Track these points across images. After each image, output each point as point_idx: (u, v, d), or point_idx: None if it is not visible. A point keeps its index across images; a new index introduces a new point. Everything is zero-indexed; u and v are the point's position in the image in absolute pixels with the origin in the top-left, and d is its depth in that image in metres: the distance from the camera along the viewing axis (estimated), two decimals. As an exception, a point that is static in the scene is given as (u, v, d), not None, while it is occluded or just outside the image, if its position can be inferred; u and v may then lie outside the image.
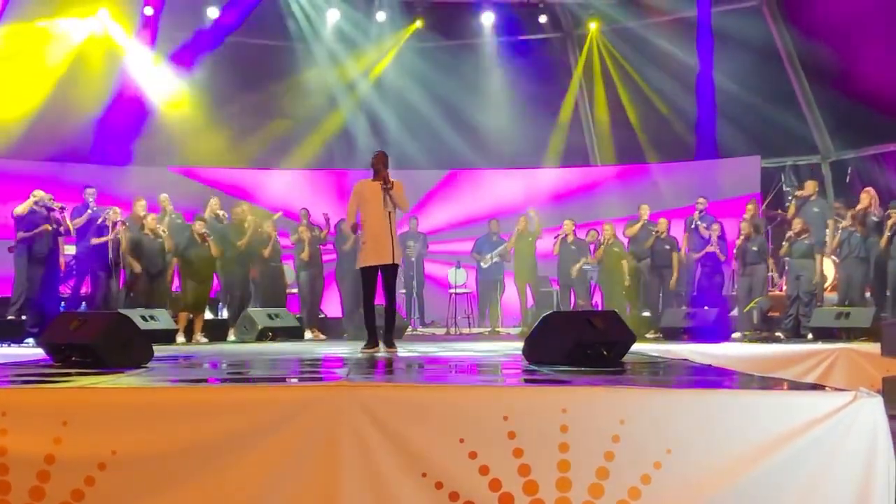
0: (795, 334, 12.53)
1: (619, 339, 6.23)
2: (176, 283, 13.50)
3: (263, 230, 14.05)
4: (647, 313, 14.26)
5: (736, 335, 12.85)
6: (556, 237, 15.06)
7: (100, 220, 12.51)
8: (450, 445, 3.86)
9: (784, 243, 13.16)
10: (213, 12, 17.69)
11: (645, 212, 14.62)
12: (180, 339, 12.18)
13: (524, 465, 3.84)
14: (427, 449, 3.87)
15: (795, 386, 4.66)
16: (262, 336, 12.43)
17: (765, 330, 12.87)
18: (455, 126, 18.28)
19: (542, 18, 18.58)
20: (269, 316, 12.91)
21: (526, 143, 18.67)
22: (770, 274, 13.99)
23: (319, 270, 14.57)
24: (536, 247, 15.47)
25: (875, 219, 12.68)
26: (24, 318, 12.00)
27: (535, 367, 6.02)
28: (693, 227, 14.06)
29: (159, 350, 7.06)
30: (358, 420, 3.89)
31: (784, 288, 13.79)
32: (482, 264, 15.93)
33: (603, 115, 18.71)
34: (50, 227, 12.18)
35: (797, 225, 13.01)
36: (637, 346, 6.72)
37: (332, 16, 18.48)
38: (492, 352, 8.84)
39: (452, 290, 16.29)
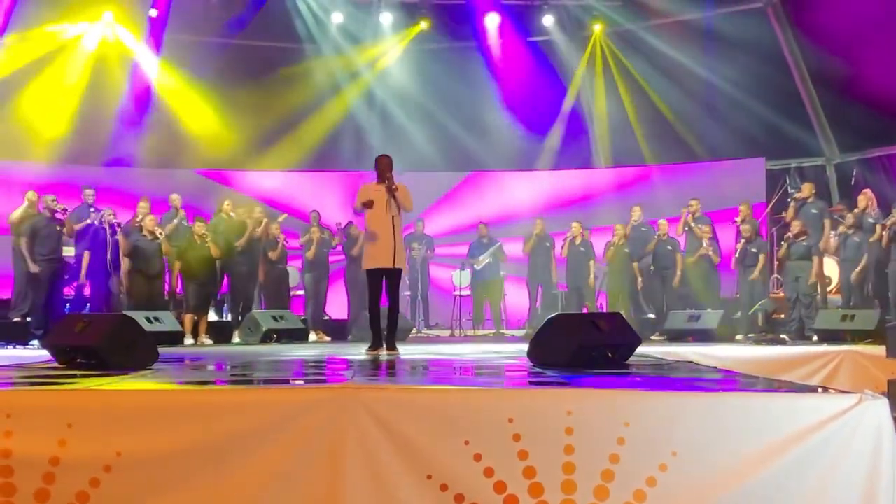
0: (800, 336, 12.53)
1: (623, 341, 6.23)
2: (179, 285, 13.52)
3: (271, 232, 14.06)
4: (651, 315, 14.26)
5: (739, 337, 12.85)
6: (563, 239, 15.05)
7: (97, 222, 12.53)
8: (455, 447, 3.85)
9: (782, 243, 13.16)
10: (219, 14, 17.73)
11: (636, 213, 14.66)
12: (188, 340, 12.19)
13: (529, 467, 3.83)
14: (432, 451, 3.87)
15: (801, 388, 4.65)
16: (267, 338, 12.42)
17: (770, 332, 12.86)
18: (459, 128, 18.27)
19: (548, 20, 18.55)
20: (274, 318, 12.91)
21: (529, 146, 18.68)
22: (775, 276, 13.99)
23: (324, 272, 14.60)
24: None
25: (872, 220, 12.72)
26: (28, 319, 12.03)
27: (540, 369, 6.01)
28: (686, 229, 14.11)
29: (164, 352, 7.06)
30: (362, 422, 3.90)
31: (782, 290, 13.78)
32: (476, 266, 15.93)
33: (606, 117, 18.66)
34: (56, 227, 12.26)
35: (795, 227, 13.03)
36: (642, 349, 6.71)
37: (337, 17, 18.48)
38: (496, 353, 8.83)
39: (457, 293, 16.28)
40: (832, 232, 13.25)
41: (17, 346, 11.09)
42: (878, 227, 12.42)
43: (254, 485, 3.84)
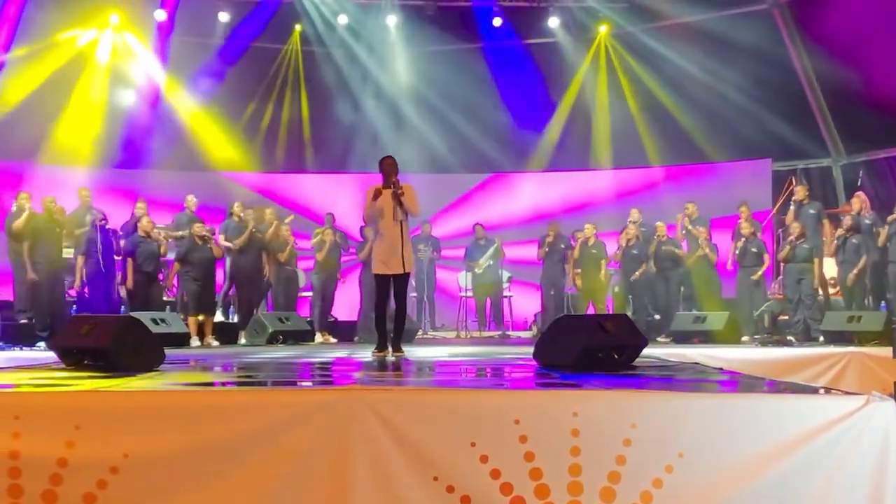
0: (807, 338, 12.52)
1: (630, 342, 6.22)
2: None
3: (280, 234, 14.09)
4: (656, 316, 14.25)
5: (745, 339, 12.83)
6: (575, 241, 15.05)
7: (97, 222, 12.57)
8: (461, 449, 3.86)
9: (787, 246, 13.14)
10: (224, 17, 17.80)
11: (635, 214, 14.67)
12: (195, 342, 12.19)
13: (535, 468, 3.84)
14: (438, 452, 3.87)
15: (807, 390, 4.65)
16: (273, 340, 12.42)
17: (776, 333, 12.85)
18: (467, 129, 18.28)
19: (553, 22, 18.55)
20: (280, 319, 12.92)
21: (533, 147, 18.70)
22: (780, 278, 13.98)
23: (333, 274, 14.59)
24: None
25: (869, 222, 12.73)
26: (32, 321, 12.06)
27: (546, 370, 6.01)
28: (684, 232, 14.13)
29: (171, 353, 7.07)
30: (369, 423, 3.90)
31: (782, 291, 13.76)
32: (476, 270, 15.91)
33: (610, 118, 18.64)
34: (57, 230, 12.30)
35: (795, 229, 13.03)
36: (648, 350, 6.70)
37: (343, 19, 18.52)
38: (502, 355, 8.83)
39: (463, 294, 16.28)
40: (834, 234, 13.22)
41: (24, 348, 11.09)
42: (884, 229, 12.43)
43: (261, 486, 3.84)
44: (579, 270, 14.88)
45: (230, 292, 14.01)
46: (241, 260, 13.50)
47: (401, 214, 8.80)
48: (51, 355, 7.41)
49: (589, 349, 5.89)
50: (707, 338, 12.33)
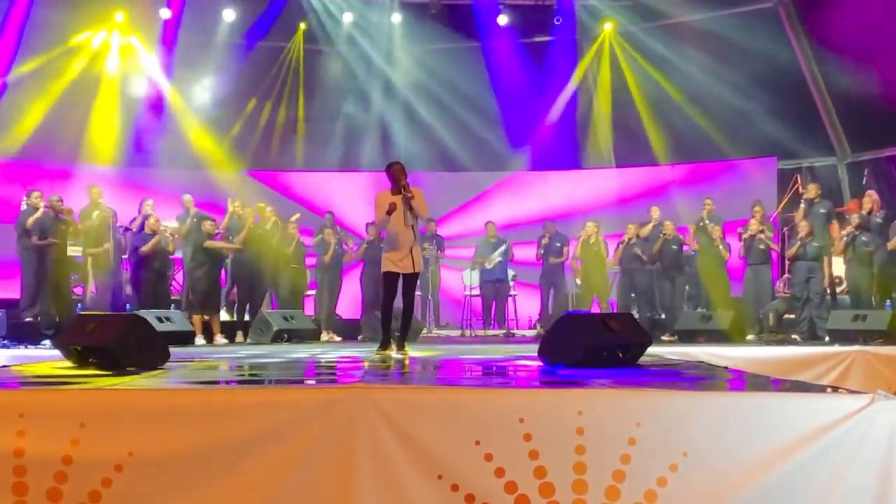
0: (812, 336, 12.50)
1: (634, 341, 6.22)
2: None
3: (288, 233, 14.12)
4: (661, 315, 14.23)
5: (751, 337, 12.80)
6: (577, 239, 15.04)
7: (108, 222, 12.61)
8: (465, 447, 3.86)
9: (796, 244, 13.11)
10: (228, 14, 17.83)
11: (656, 213, 14.60)
12: (200, 340, 12.19)
13: (540, 467, 3.84)
14: (443, 451, 3.88)
15: (812, 389, 4.64)
16: (277, 338, 12.42)
17: (781, 332, 12.82)
18: (471, 128, 18.28)
19: (558, 20, 18.55)
20: (285, 318, 12.92)
21: (536, 147, 18.71)
22: (786, 276, 13.95)
23: (338, 273, 14.60)
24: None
25: (879, 221, 12.70)
26: (38, 319, 12.08)
27: (551, 369, 6.01)
28: (701, 225, 14.08)
29: (176, 352, 7.07)
30: (374, 422, 3.90)
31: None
32: (487, 265, 15.89)
33: (613, 117, 18.62)
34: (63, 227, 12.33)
35: (804, 228, 12.99)
36: (652, 349, 6.70)
37: (348, 17, 18.54)
38: (506, 353, 8.83)
39: (468, 293, 16.28)
40: (842, 233, 13.17)
41: (29, 346, 11.10)
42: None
43: (266, 484, 3.85)
44: (579, 265, 14.90)
45: (232, 290, 14.02)
46: (242, 257, 13.48)
47: (411, 219, 8.80)
48: (56, 353, 7.42)
49: (593, 348, 5.89)
50: (712, 336, 12.31)
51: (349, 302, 15.17)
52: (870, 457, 3.80)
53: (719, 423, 3.86)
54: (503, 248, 15.89)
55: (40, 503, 3.81)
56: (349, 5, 18.44)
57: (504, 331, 15.71)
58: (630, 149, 18.29)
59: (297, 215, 14.94)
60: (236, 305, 13.98)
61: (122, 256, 12.93)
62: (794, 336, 12.52)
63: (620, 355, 6.07)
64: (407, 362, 7.47)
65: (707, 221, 14.01)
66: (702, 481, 3.81)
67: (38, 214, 12.18)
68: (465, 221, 18.03)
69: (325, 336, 13.93)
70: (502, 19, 18.55)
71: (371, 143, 18.38)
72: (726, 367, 6.97)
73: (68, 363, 6.33)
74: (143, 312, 10.31)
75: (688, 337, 12.59)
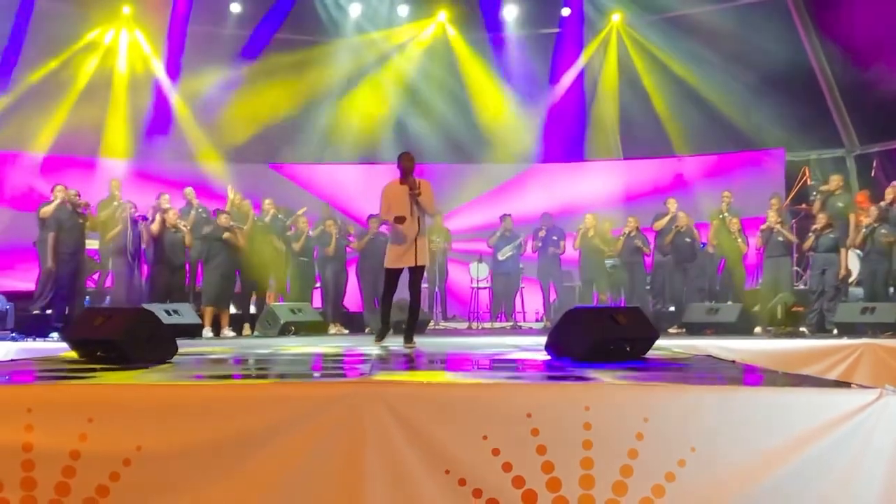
0: (820, 329, 12.47)
1: (642, 335, 6.21)
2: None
3: (298, 227, 14.16)
4: (672, 308, 14.23)
5: (758, 330, 12.79)
6: (577, 231, 15.06)
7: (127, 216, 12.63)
8: (473, 442, 3.86)
9: (810, 235, 13.07)
10: (236, 7, 17.86)
11: (673, 205, 14.57)
12: (208, 333, 12.20)
13: (547, 462, 3.83)
14: (450, 446, 3.87)
15: (820, 383, 4.63)
16: (284, 331, 12.43)
17: (789, 325, 12.80)
18: (474, 121, 18.29)
19: (566, 11, 18.53)
20: (292, 311, 12.93)
21: (542, 139, 18.71)
22: (795, 269, 13.92)
23: (342, 265, 14.62)
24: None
25: None
26: (48, 312, 12.11)
27: (559, 363, 6.00)
28: (721, 217, 14.05)
29: (184, 345, 7.07)
30: (381, 417, 3.90)
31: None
32: (499, 256, 15.90)
33: (622, 109, 18.57)
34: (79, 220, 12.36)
35: (821, 220, 12.95)
36: (660, 342, 6.69)
37: (355, 10, 18.55)
38: (514, 346, 8.82)
39: (475, 285, 16.28)
40: (862, 224, 13.10)
41: (38, 339, 11.12)
42: None
43: (273, 480, 3.85)
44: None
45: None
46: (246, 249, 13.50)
47: (417, 211, 8.81)
48: (64, 346, 7.43)
49: (601, 341, 5.88)
50: (719, 329, 12.30)
51: (357, 294, 15.16)
52: (879, 451, 3.79)
53: (727, 419, 3.84)
54: (517, 242, 15.91)
55: (49, 498, 3.81)
56: None
57: (511, 323, 15.73)
58: (638, 140, 18.24)
59: (305, 208, 14.96)
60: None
61: (142, 247, 12.93)
62: (801, 329, 12.49)
63: (627, 349, 6.06)
64: (414, 356, 7.47)
65: (726, 214, 14.00)
66: (710, 476, 3.80)
67: (52, 206, 12.22)
68: (477, 214, 18.01)
69: (332, 329, 13.94)
70: (510, 11, 18.54)
71: (386, 135, 18.33)
72: (734, 361, 6.96)
73: (76, 356, 6.33)
74: (150, 306, 10.32)
75: (695, 329, 12.58)
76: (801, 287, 13.70)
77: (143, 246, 12.80)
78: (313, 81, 18.25)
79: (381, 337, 9.19)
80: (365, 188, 16.85)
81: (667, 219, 14.41)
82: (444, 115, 18.28)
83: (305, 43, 18.63)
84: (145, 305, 11.33)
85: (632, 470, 3.82)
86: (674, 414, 3.86)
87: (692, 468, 3.80)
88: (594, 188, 18.01)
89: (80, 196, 12.54)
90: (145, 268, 12.94)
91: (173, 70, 17.56)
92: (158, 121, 17.40)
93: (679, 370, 5.64)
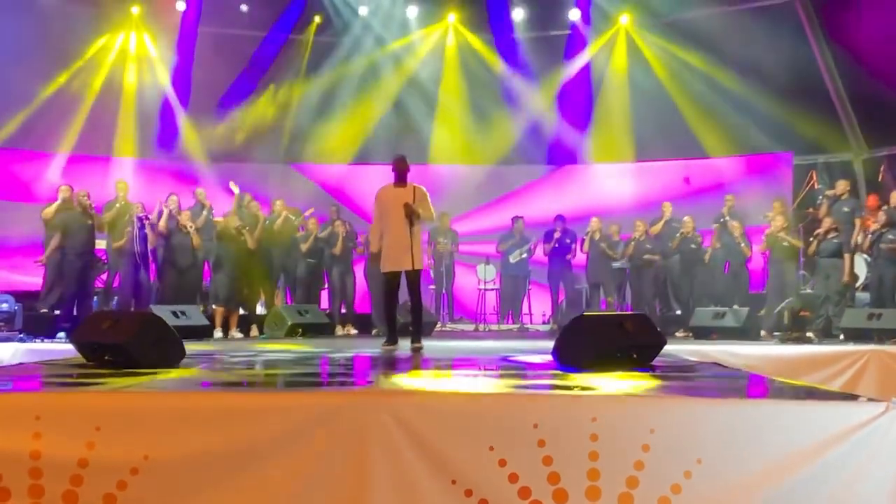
0: (827, 335, 12.44)
1: (649, 342, 6.21)
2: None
3: (308, 228, 14.21)
4: (678, 311, 14.22)
5: (764, 333, 12.75)
6: (585, 235, 15.07)
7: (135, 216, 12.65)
8: (479, 453, 3.86)
9: (811, 240, 13.05)
10: (244, 7, 17.93)
11: (668, 209, 14.58)
12: (218, 334, 12.19)
13: (554, 473, 3.84)
14: (456, 455, 3.88)
15: (827, 396, 4.62)
16: (292, 333, 12.42)
17: (796, 330, 12.76)
18: (482, 123, 18.30)
19: (574, 14, 18.52)
20: (299, 312, 12.92)
21: (551, 141, 18.73)
22: (802, 273, 13.89)
23: (349, 266, 14.63)
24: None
25: None
26: (56, 312, 12.13)
27: (565, 370, 6.00)
28: (721, 220, 14.03)
29: (192, 348, 7.08)
30: (388, 427, 3.91)
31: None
32: (510, 259, 15.91)
33: (632, 111, 18.55)
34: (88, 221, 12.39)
35: (826, 224, 12.93)
36: (667, 347, 6.67)
37: (363, 11, 18.59)
38: (521, 351, 8.80)
39: (482, 287, 16.29)
40: (869, 230, 13.07)
41: (45, 340, 11.14)
42: None
43: (280, 488, 3.86)
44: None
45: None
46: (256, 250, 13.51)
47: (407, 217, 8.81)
48: (71, 348, 7.44)
49: (607, 349, 5.88)
50: (725, 333, 12.28)
51: (365, 296, 15.16)
52: (885, 464, 3.79)
53: (734, 431, 3.85)
54: (526, 246, 15.93)
55: (56, 505, 3.83)
56: None
57: (518, 325, 15.74)
58: (646, 144, 18.21)
59: (312, 209, 14.97)
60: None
61: (150, 247, 12.94)
62: (808, 335, 12.47)
63: (634, 356, 6.06)
64: (420, 361, 7.46)
65: (728, 218, 13.97)
66: (716, 489, 3.80)
67: (53, 207, 12.25)
68: (486, 217, 18.01)
69: (339, 330, 13.94)
70: (519, 13, 18.54)
71: (388, 137, 18.34)
72: (741, 370, 6.95)
73: (84, 360, 6.35)
74: (158, 308, 10.34)
75: (702, 334, 12.57)
76: (809, 291, 13.64)
77: (151, 246, 12.82)
78: (324, 83, 18.29)
79: (391, 342, 9.16)
80: (375, 189, 16.96)
81: (661, 223, 14.44)
82: (456, 117, 18.28)
83: (316, 44, 18.67)
84: (153, 307, 11.40)
85: (638, 481, 3.82)
86: (680, 426, 3.87)
87: (698, 480, 3.81)
88: (603, 191, 18.02)
89: (88, 196, 12.55)
90: (153, 268, 12.98)
91: (182, 76, 17.63)
92: (166, 123, 17.48)
93: (686, 380, 5.63)
